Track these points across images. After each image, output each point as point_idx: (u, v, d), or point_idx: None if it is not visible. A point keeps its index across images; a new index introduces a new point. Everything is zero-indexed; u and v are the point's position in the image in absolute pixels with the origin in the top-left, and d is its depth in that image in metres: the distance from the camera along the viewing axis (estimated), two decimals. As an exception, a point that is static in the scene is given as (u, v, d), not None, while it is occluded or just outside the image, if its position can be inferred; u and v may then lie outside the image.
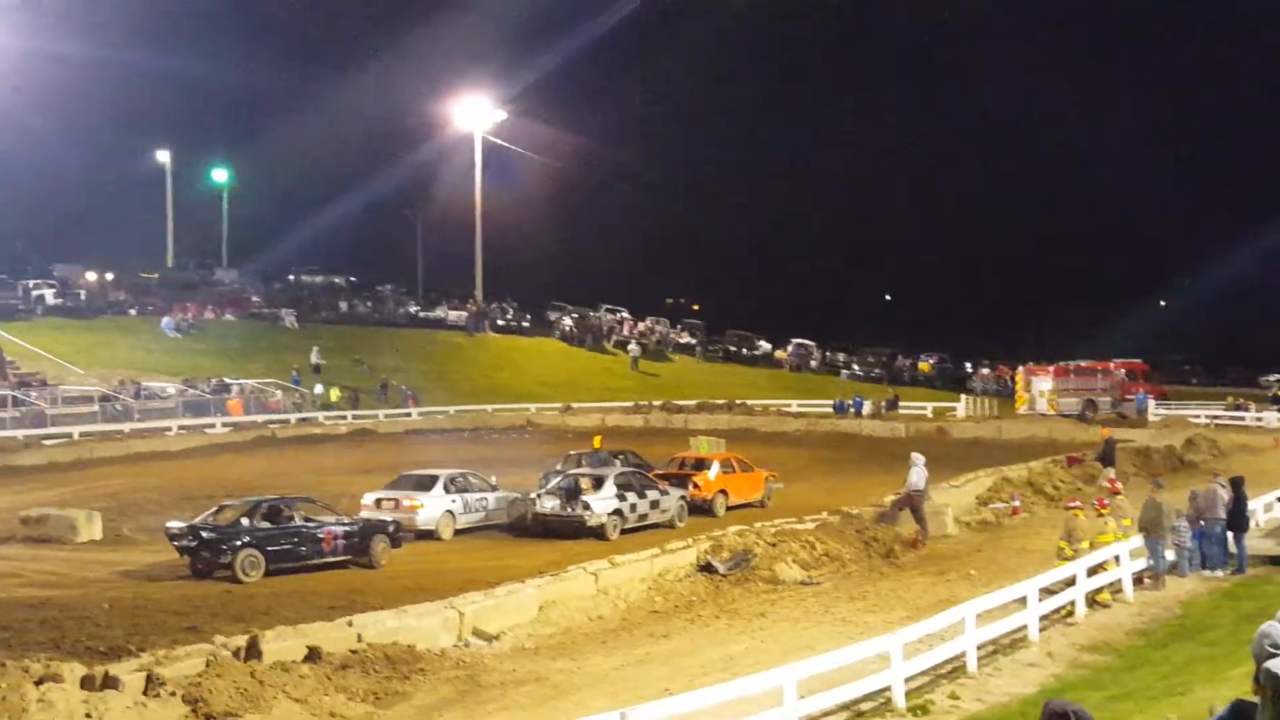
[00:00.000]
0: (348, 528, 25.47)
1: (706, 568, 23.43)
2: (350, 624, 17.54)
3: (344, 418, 56.35)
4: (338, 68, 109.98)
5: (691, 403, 62.43)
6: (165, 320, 68.52)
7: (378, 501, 28.91)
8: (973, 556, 26.47)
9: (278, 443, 49.28)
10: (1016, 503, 32.10)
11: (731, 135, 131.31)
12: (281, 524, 24.68)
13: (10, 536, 28.38)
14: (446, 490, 29.44)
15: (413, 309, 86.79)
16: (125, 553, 27.13)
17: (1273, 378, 79.59)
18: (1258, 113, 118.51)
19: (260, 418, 54.44)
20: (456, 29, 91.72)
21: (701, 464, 33.94)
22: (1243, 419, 55.77)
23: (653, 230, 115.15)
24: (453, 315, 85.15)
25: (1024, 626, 18.75)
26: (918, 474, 28.30)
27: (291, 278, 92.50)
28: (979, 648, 17.40)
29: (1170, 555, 23.08)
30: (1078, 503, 23.62)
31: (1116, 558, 21.64)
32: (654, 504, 29.94)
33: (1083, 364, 60.84)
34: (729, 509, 32.26)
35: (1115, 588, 21.63)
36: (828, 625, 20.06)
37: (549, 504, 29.09)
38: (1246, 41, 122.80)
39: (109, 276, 79.90)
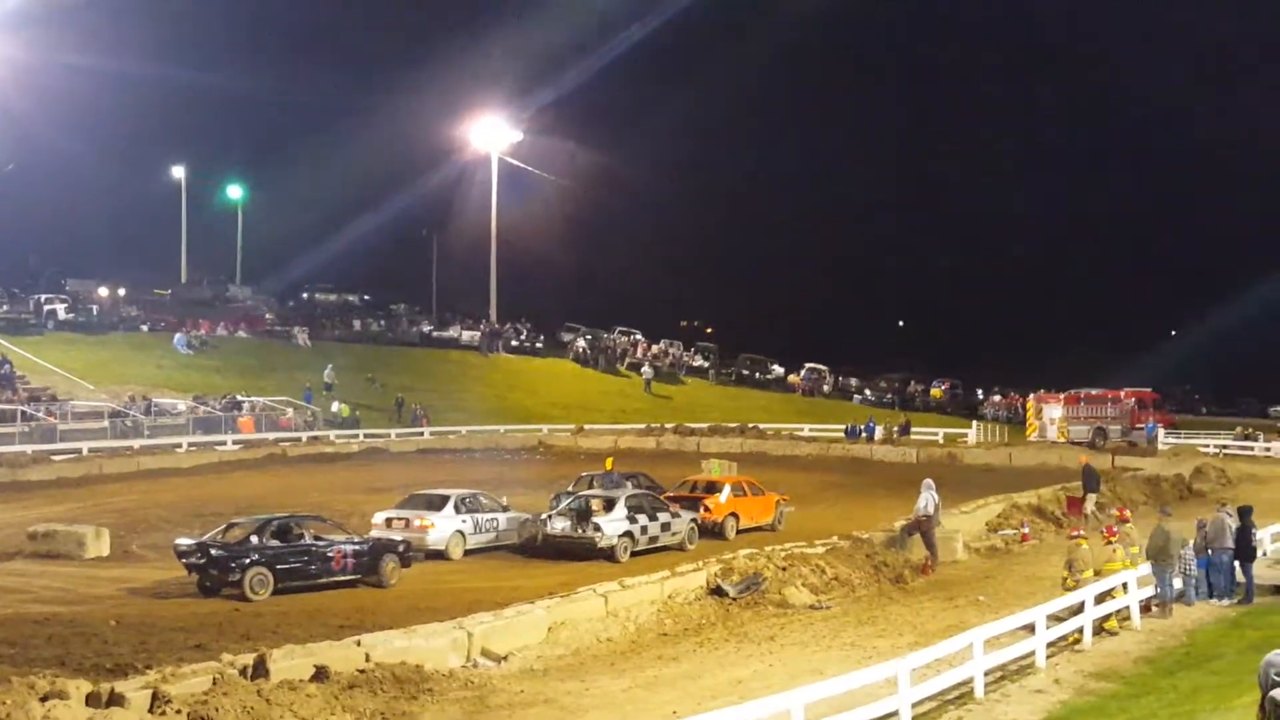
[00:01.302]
0: (357, 547, 25.51)
1: (716, 591, 23.39)
2: (358, 643, 17.52)
3: (355, 436, 56.42)
4: (355, 86, 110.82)
5: (704, 426, 62.43)
6: (177, 336, 68.60)
7: (388, 521, 28.92)
8: (982, 582, 26.41)
9: (289, 461, 49.37)
10: (1026, 529, 32.06)
11: (747, 159, 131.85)
12: (291, 542, 24.69)
13: (17, 552, 28.43)
14: (457, 510, 29.43)
15: (426, 328, 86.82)
16: (133, 569, 27.17)
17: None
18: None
19: (271, 435, 54.54)
20: (474, 49, 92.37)
21: (713, 487, 33.98)
22: (1251, 449, 55.80)
23: (667, 252, 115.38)
24: (466, 335, 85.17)
25: (1032, 653, 18.73)
26: (928, 499, 28.26)
27: (305, 295, 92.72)
28: (987, 674, 17.39)
29: (1178, 584, 23.07)
30: (1081, 531, 23.59)
31: (1124, 585, 21.62)
32: (665, 526, 29.98)
33: (1093, 392, 60.95)
34: (740, 532, 32.26)
35: (1123, 615, 21.62)
36: (836, 650, 20.02)
37: (560, 525, 29.10)
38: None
39: (121, 292, 79.99)
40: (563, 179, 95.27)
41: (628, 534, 28.94)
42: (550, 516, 29.62)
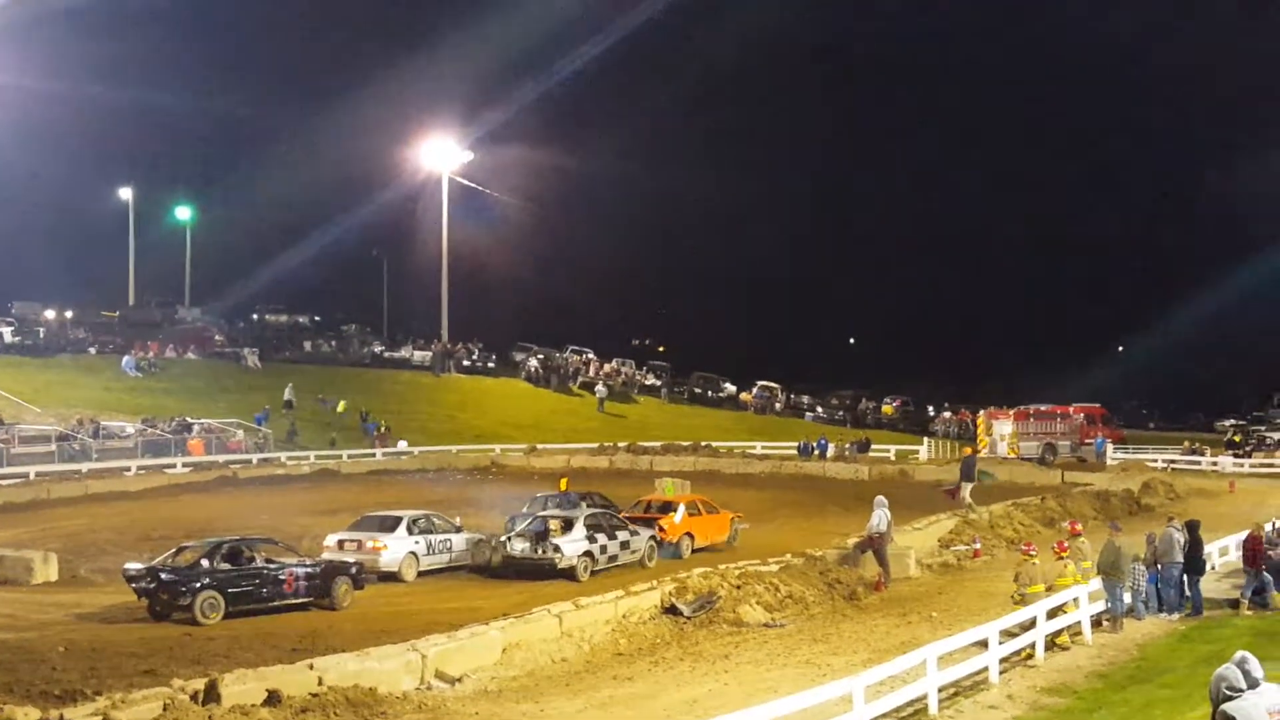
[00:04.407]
0: (309, 569, 25.37)
1: (671, 610, 23.38)
2: (311, 667, 17.40)
3: (306, 458, 56.04)
4: (305, 106, 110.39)
5: (657, 444, 62.33)
6: (126, 359, 67.94)
7: (340, 543, 28.75)
8: (935, 599, 26.54)
9: (239, 483, 48.89)
10: (978, 545, 32.25)
11: (699, 178, 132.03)
12: (242, 565, 24.51)
13: (-35, 577, 28.11)
14: (410, 532, 29.34)
15: (377, 349, 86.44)
16: (82, 594, 26.88)
17: (1229, 423, 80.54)
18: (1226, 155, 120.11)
19: (222, 458, 54.02)
20: (425, 69, 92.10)
21: (667, 507, 33.97)
22: (1199, 463, 56.38)
23: (619, 271, 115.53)
24: (418, 355, 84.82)
25: (985, 669, 18.83)
26: (880, 516, 28.37)
27: (255, 317, 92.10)
28: (940, 690, 17.44)
29: (1128, 598, 23.23)
30: (1033, 548, 23.69)
31: (1076, 600, 21.77)
32: (624, 545, 30.12)
33: (1042, 408, 61.27)
34: (695, 551, 32.30)
35: (1074, 630, 21.77)
36: (791, 667, 20.05)
37: (519, 546, 29.04)
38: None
39: (69, 314, 79.32)
40: (514, 199, 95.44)
41: (587, 554, 29.01)
42: (510, 538, 29.49)
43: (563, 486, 38.83)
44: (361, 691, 17.07)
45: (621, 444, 62.56)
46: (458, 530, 30.72)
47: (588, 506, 33.33)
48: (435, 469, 56.54)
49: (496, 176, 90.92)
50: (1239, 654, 9.04)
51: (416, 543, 29.31)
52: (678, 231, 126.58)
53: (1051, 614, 20.91)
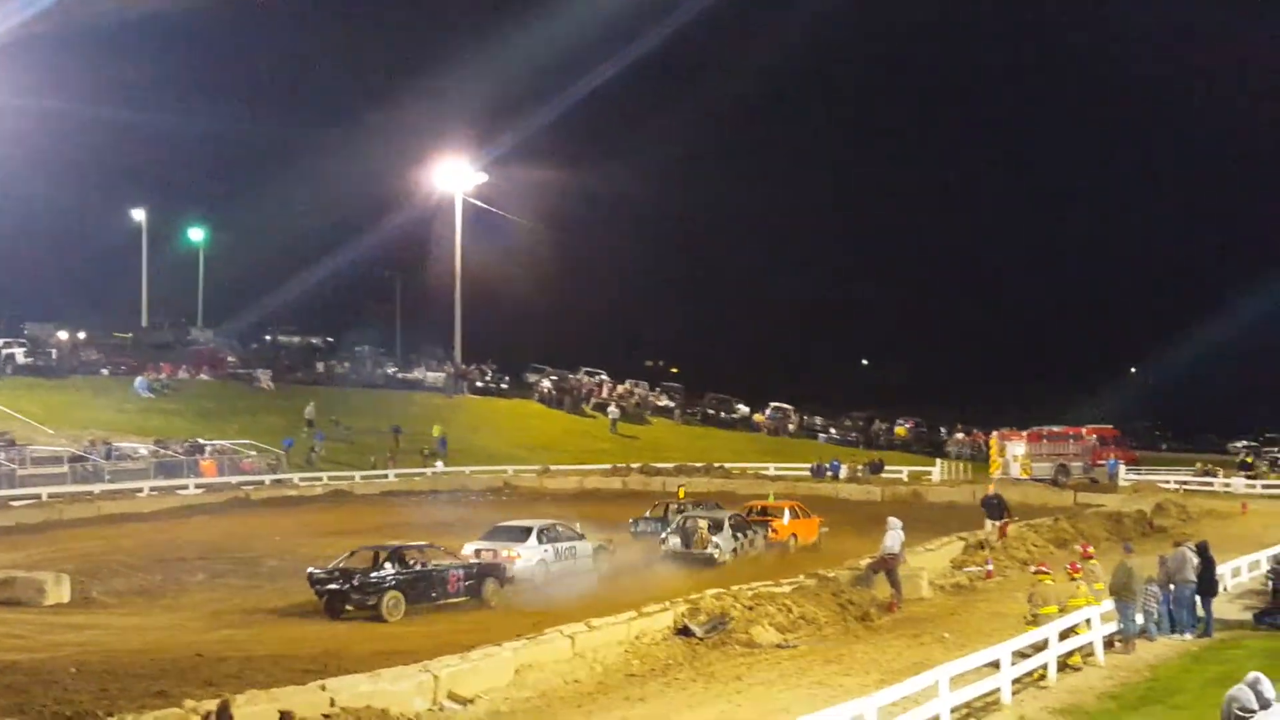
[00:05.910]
0: (467, 569, 28.21)
1: (683, 631, 23.32)
2: (323, 688, 17.34)
3: (319, 480, 56.08)
4: (318, 128, 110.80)
5: (670, 465, 62.44)
6: (138, 380, 68.00)
7: (477, 552, 30.55)
8: (947, 620, 26.47)
9: (251, 504, 48.96)
10: (990, 566, 32.18)
11: (710, 200, 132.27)
12: (412, 568, 26.86)
13: (-24, 599, 28.14)
14: (540, 540, 31.33)
15: (391, 370, 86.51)
16: (93, 615, 26.94)
17: (1240, 444, 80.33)
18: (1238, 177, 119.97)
19: (234, 479, 54.05)
20: (438, 91, 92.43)
21: (767, 511, 38.69)
22: (1211, 484, 56.25)
23: (632, 293, 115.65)
24: (431, 377, 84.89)
25: (997, 689, 18.78)
26: (893, 537, 28.38)
27: (268, 338, 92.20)
28: (953, 711, 17.40)
29: (1140, 619, 23.19)
30: (1046, 567, 23.67)
31: (1088, 621, 21.73)
32: (752, 542, 35.39)
33: (1055, 429, 61.23)
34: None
35: (1086, 651, 21.71)
36: (803, 689, 20.00)
37: (674, 542, 34.15)
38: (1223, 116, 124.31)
39: (81, 335, 79.22)
40: (528, 220, 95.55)
41: (734, 550, 34.29)
42: (666, 536, 34.77)
43: (681, 495, 45.43)
44: (373, 713, 17.05)
45: (634, 465, 62.73)
46: (581, 538, 32.89)
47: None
48: (448, 490, 56.57)
49: (510, 198, 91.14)
50: (1251, 675, 9.07)
51: (546, 551, 31.34)
52: (690, 253, 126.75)
53: (1064, 635, 20.86)
